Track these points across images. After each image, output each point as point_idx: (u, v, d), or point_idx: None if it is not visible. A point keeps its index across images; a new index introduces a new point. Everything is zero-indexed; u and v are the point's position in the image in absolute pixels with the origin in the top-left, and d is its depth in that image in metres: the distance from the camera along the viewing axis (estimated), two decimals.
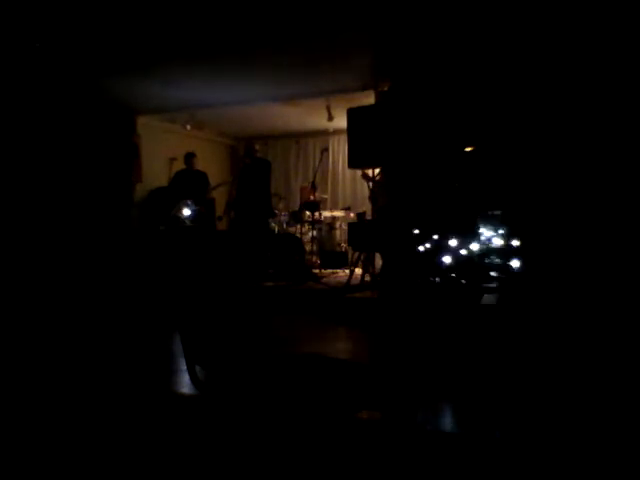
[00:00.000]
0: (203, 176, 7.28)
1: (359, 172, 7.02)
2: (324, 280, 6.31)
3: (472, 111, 4.73)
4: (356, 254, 6.06)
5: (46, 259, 5.99)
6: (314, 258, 7.40)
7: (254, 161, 6.79)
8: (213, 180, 7.43)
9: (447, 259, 4.86)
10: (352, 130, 5.45)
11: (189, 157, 7.26)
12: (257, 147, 6.96)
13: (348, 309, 4.76)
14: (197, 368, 1.71)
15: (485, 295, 4.37)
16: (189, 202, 6.83)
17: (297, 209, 7.83)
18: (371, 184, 6.07)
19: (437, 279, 4.92)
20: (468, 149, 4.80)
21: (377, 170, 5.95)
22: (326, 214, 8.02)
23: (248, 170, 6.75)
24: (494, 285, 4.64)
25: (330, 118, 7.33)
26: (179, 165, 7.39)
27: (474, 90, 4.75)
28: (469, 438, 1.86)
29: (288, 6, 4.32)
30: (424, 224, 4.80)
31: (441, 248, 4.76)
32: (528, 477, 1.74)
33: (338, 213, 8.27)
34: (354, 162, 5.55)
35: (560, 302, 3.50)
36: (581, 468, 1.72)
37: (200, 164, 7.41)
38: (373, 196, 6.10)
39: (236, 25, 4.71)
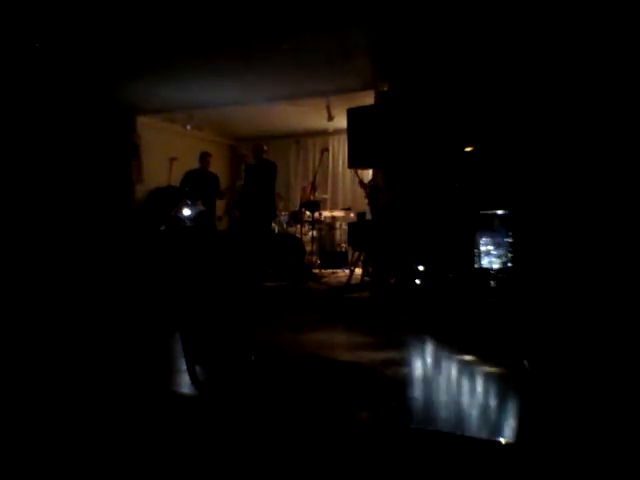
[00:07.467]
0: (214, 178, 7.27)
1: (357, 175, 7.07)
2: (324, 280, 6.31)
3: (472, 111, 4.73)
4: (356, 254, 6.06)
5: (46, 259, 5.99)
6: (314, 258, 7.40)
7: (260, 162, 6.77)
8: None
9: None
10: (352, 130, 5.46)
11: (204, 157, 7.25)
12: (266, 148, 6.94)
13: (348, 309, 4.76)
14: (197, 368, 1.71)
15: (484, 295, 4.38)
16: (189, 202, 6.80)
17: (297, 209, 7.84)
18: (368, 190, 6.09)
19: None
20: (468, 149, 4.80)
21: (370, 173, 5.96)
22: (326, 214, 8.03)
23: (253, 171, 6.74)
24: (494, 285, 4.65)
25: (330, 118, 7.33)
26: (179, 165, 7.37)
27: (474, 90, 4.75)
28: (467, 439, 1.86)
29: (288, 6, 4.32)
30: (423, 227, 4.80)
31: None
32: (528, 477, 1.74)
33: (338, 213, 8.28)
34: (354, 162, 5.56)
35: (559, 302, 3.50)
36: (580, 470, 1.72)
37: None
38: (371, 198, 6.11)
39: (236, 25, 4.71)
